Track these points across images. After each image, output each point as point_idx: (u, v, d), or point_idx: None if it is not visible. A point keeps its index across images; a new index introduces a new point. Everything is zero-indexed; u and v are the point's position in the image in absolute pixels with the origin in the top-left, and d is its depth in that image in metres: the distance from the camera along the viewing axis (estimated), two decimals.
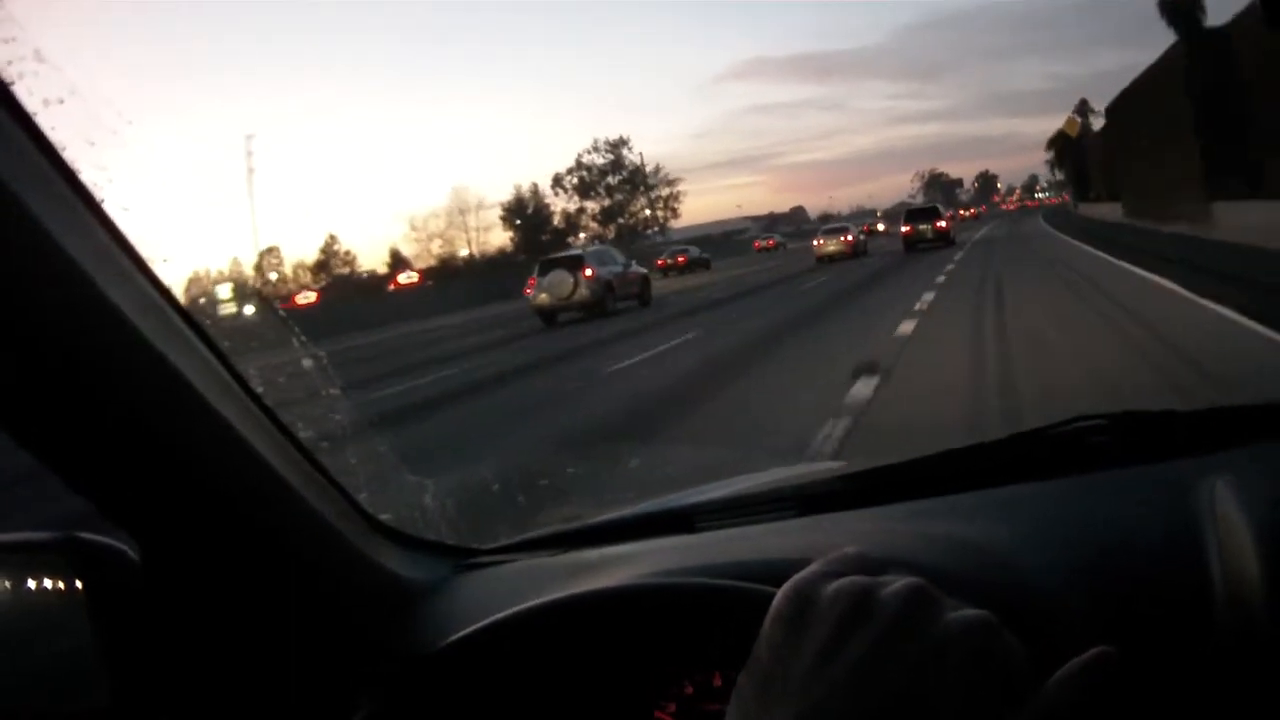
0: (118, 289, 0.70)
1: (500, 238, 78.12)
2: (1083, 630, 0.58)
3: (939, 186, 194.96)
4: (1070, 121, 54.12)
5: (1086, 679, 0.54)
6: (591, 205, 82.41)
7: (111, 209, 0.74)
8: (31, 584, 0.83)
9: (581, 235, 77.16)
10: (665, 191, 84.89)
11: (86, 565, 0.80)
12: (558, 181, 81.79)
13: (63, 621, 0.81)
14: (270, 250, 73.27)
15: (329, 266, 76.63)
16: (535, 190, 78.80)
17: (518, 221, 77.31)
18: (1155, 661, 0.63)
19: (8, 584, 0.85)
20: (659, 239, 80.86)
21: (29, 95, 0.68)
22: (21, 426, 0.71)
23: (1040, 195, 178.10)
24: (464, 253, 76.71)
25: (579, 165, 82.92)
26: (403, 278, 68.78)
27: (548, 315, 22.62)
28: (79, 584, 0.81)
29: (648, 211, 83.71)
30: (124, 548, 0.81)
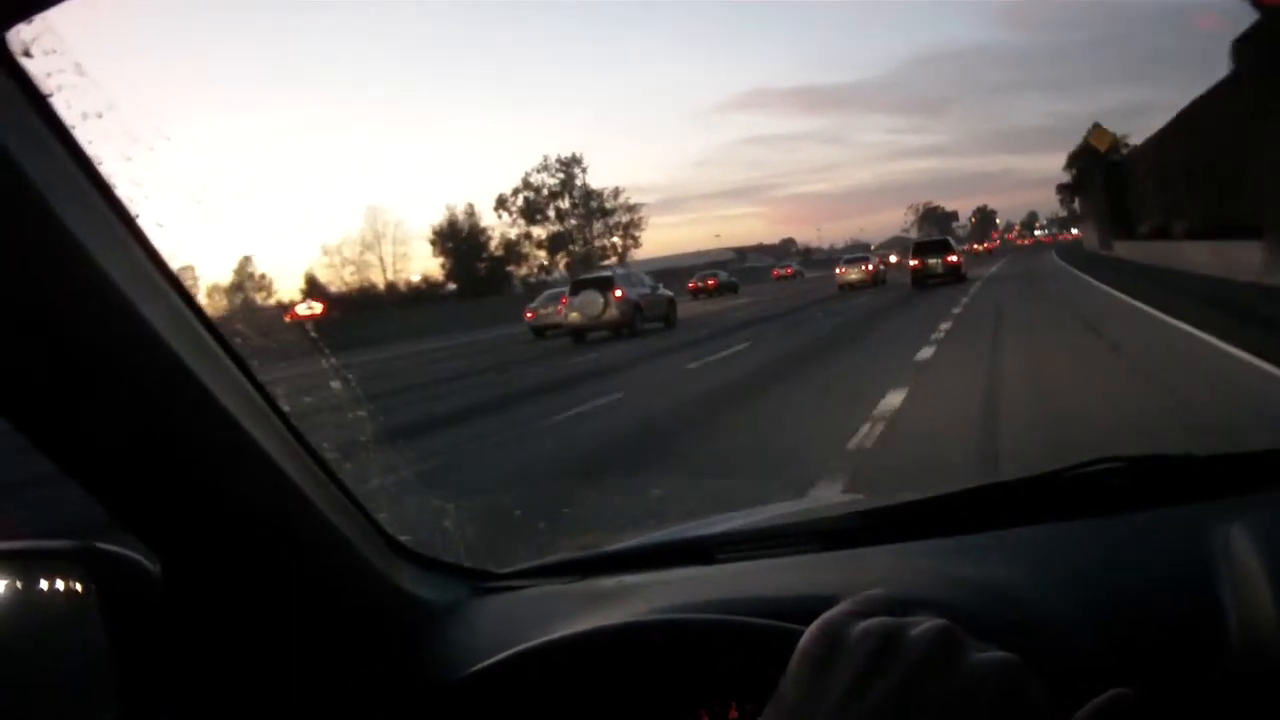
0: (149, 304, 0.71)
1: (431, 265, 64.97)
2: (1101, 672, 0.58)
3: (934, 220, 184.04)
4: (1099, 133, 42.81)
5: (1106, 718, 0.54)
6: (539, 230, 70.93)
7: (146, 224, 0.75)
8: (48, 590, 0.84)
9: (523, 267, 67.72)
10: (625, 218, 73.81)
11: (103, 574, 0.81)
12: (502, 204, 69.99)
13: (78, 630, 0.81)
14: (185, 269, 67.27)
15: (243, 289, 60.70)
16: (471, 212, 66.42)
17: (449, 246, 64.26)
18: (1172, 702, 0.63)
19: (26, 589, 0.85)
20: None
21: (68, 108, 0.69)
22: (50, 436, 0.72)
23: (1039, 233, 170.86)
24: (385, 280, 62.92)
25: (526, 185, 71.00)
26: (302, 308, 52.15)
27: (578, 334, 23.51)
28: (96, 592, 0.81)
29: (613, 239, 73.00)
30: (141, 559, 0.81)
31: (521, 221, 69.68)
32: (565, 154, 72.72)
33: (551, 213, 70.49)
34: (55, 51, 0.70)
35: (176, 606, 0.82)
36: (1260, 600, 0.65)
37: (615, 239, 72.47)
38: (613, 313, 23.29)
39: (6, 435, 0.72)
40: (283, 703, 0.87)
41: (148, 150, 0.81)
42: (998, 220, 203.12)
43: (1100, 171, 40.43)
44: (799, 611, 0.63)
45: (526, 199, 70.33)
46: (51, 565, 0.84)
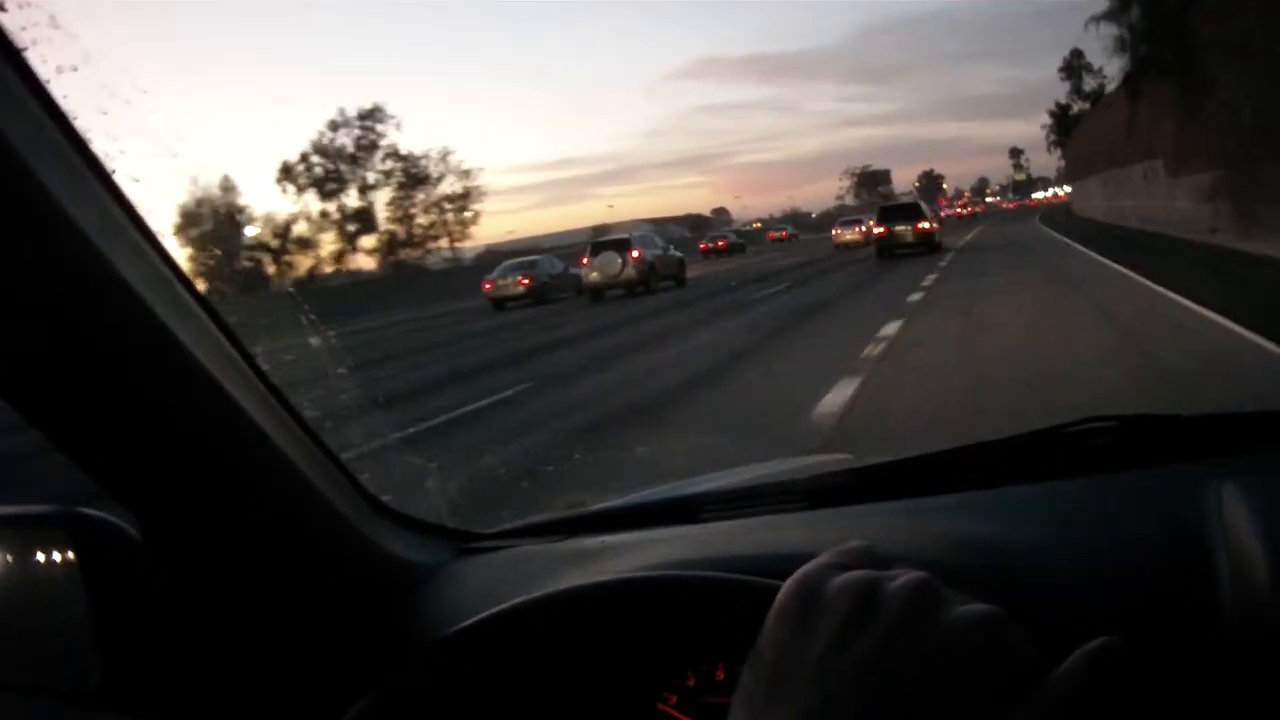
0: (126, 262, 0.70)
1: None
2: (1088, 627, 0.57)
3: (871, 185, 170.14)
4: None
5: (1094, 668, 0.54)
6: (330, 207, 53.50)
7: (122, 180, 0.73)
8: (30, 556, 0.83)
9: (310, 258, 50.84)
10: (458, 186, 56.85)
11: (86, 540, 0.80)
12: (288, 174, 52.87)
13: (60, 597, 0.80)
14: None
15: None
16: (229, 185, 46.72)
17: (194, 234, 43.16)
18: (1161, 658, 0.63)
19: (7, 556, 0.84)
20: (448, 258, 54.80)
21: (42, 63, 0.68)
22: (25, 399, 0.71)
23: (990, 200, 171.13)
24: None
25: (318, 150, 53.99)
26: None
27: (597, 292, 25.46)
28: (78, 559, 0.80)
29: (444, 216, 55.83)
30: (124, 524, 0.80)
31: (316, 195, 53.84)
32: (367, 107, 55.43)
33: (352, 180, 54.76)
34: (30, 4, 0.68)
35: (159, 571, 0.81)
36: (1253, 559, 0.65)
37: (450, 214, 57.16)
38: (630, 272, 25.21)
39: None
40: (267, 666, 0.87)
41: (124, 104, 0.80)
42: (945, 185, 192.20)
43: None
44: (782, 567, 0.62)
45: (324, 168, 54.30)
46: (33, 531, 0.83)
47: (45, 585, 0.82)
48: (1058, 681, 0.53)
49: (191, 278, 0.78)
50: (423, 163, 56.07)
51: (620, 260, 25.40)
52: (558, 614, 0.87)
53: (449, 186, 56.87)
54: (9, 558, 0.84)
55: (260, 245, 50.89)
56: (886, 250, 29.34)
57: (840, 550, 0.62)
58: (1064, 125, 57.43)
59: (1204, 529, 0.71)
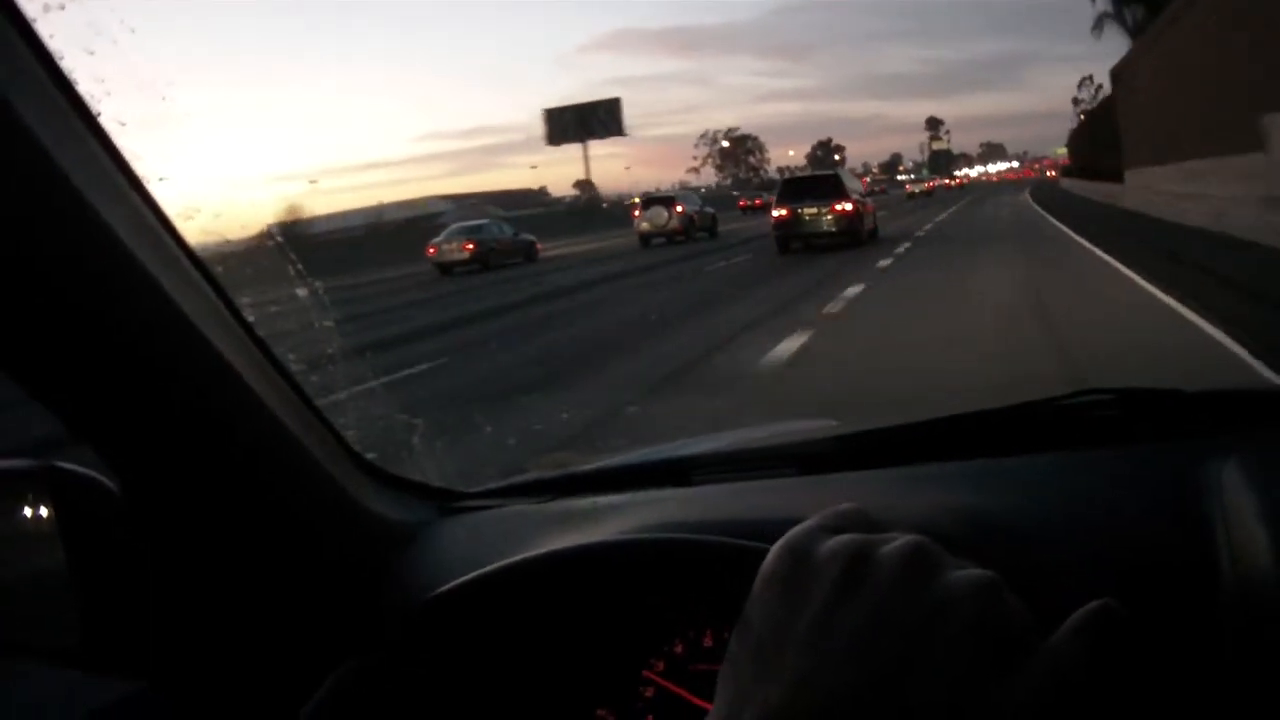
0: (110, 206, 0.68)
1: None
2: (1087, 594, 0.57)
3: (735, 157, 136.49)
4: None
5: (1092, 630, 0.53)
6: None
7: (108, 123, 0.71)
8: (8, 513, 0.80)
9: None
10: None
11: (63, 493, 0.78)
12: None
13: (38, 553, 0.78)
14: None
15: None
16: None
17: None
18: (1158, 632, 0.63)
19: None
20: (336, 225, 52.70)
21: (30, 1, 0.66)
22: (2, 348, 0.69)
23: (901, 177, 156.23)
24: None
25: None
26: None
27: (645, 239, 31.52)
28: (54, 512, 0.78)
29: None
30: (102, 478, 0.78)
31: None
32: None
33: None
34: None
35: (140, 528, 0.80)
36: (1252, 535, 0.64)
37: None
38: (674, 223, 31.62)
39: None
40: (248, 626, 0.86)
41: (110, 44, 0.78)
42: (841, 158, 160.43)
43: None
44: (772, 532, 0.60)
45: None
46: (10, 485, 0.81)
47: (22, 541, 0.80)
48: (1055, 645, 0.52)
49: (175, 223, 0.77)
50: None
51: (667, 213, 31.67)
52: (544, 577, 0.86)
53: None
54: None
55: None
56: (789, 241, 20.76)
57: (830, 513, 0.60)
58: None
59: (1203, 505, 0.71)
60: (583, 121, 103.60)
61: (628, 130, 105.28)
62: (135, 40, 0.89)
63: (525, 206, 62.01)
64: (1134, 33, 38.69)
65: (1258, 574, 0.61)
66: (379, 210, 64.81)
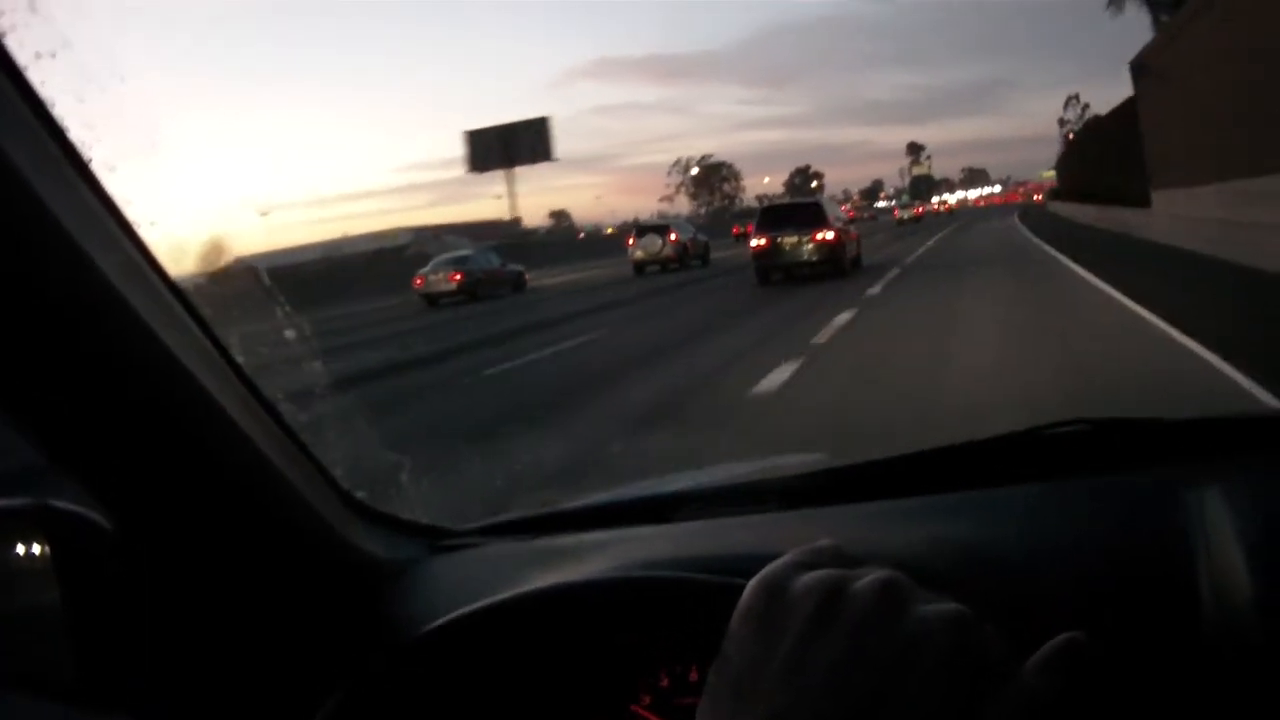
0: (101, 251, 0.69)
1: None
2: (1069, 624, 0.57)
3: (710, 185, 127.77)
4: None
5: (1057, 665, 0.53)
6: None
7: (98, 169, 0.73)
8: (3, 551, 0.81)
9: None
10: None
11: (57, 533, 0.78)
12: None
13: (33, 591, 0.79)
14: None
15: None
16: None
17: None
18: (1139, 662, 0.63)
19: None
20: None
21: (20, 48, 0.67)
22: None
23: (881, 204, 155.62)
24: None
25: None
26: None
27: (640, 266, 32.04)
28: (49, 551, 0.78)
29: None
30: (96, 517, 0.79)
31: None
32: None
33: None
34: None
35: (133, 566, 0.80)
36: (1233, 564, 0.64)
37: None
38: (668, 251, 32.00)
39: None
40: (239, 662, 0.86)
41: (99, 91, 0.79)
42: (819, 185, 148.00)
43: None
44: (750, 567, 0.61)
45: None
46: (4, 524, 0.82)
47: (17, 579, 0.80)
48: (1025, 678, 0.53)
49: (168, 268, 0.78)
50: None
51: (661, 241, 32.06)
52: (530, 614, 0.87)
53: None
54: None
55: None
56: (769, 272, 20.14)
57: (806, 549, 0.61)
58: None
59: (1184, 534, 0.71)
60: (506, 145, 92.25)
61: (556, 156, 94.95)
62: (122, 79, 0.91)
63: (495, 237, 59.39)
64: (1165, 6, 30.26)
65: (1239, 600, 0.62)
66: (339, 244, 63.67)
